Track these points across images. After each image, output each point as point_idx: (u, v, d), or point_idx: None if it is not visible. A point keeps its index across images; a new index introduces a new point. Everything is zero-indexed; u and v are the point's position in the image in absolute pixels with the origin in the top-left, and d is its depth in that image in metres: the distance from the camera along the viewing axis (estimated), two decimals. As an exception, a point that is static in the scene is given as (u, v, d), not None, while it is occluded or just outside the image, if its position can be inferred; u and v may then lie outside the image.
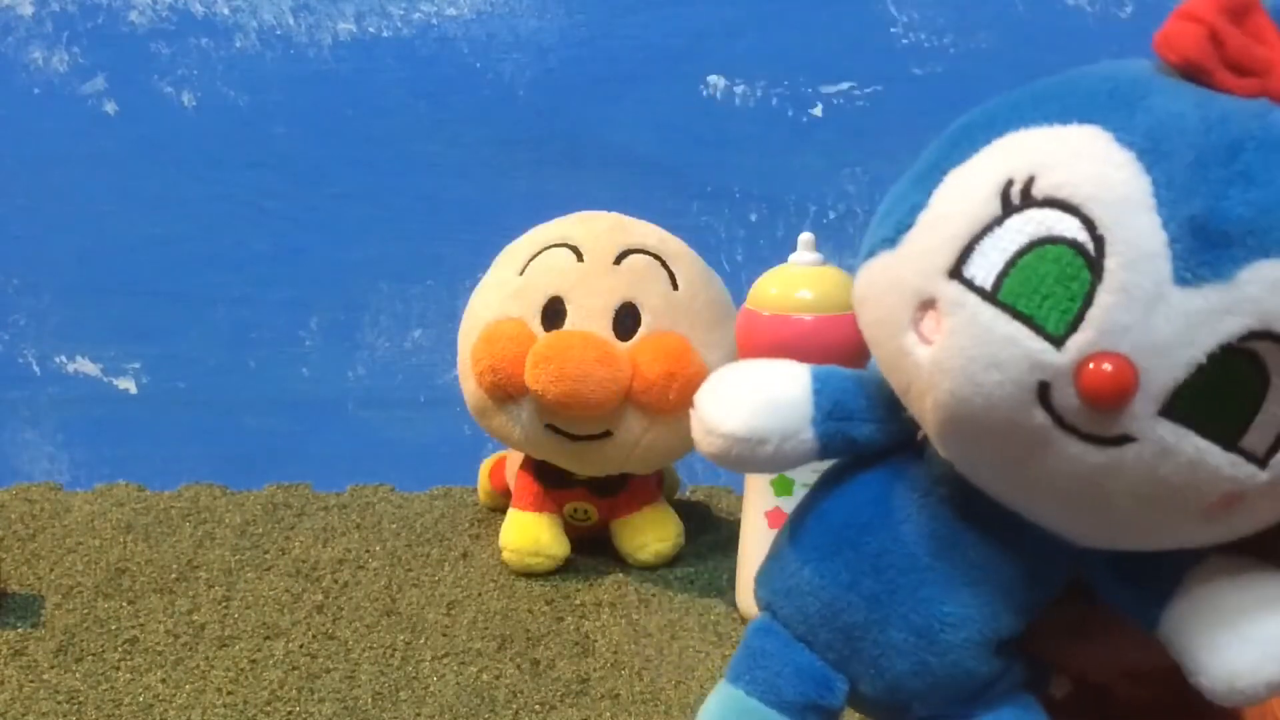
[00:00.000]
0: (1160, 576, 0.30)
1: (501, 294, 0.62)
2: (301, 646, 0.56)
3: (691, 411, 0.34)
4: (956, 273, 0.29)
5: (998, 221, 0.28)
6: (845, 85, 0.88)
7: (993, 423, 0.28)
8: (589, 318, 0.60)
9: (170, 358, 0.95)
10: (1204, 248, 0.27)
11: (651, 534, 0.65)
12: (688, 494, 0.77)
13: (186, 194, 0.93)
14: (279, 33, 0.92)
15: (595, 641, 0.57)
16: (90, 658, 0.55)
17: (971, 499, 0.31)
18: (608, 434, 0.61)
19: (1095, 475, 0.28)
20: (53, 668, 0.54)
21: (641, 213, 0.66)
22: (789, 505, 0.55)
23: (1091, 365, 0.26)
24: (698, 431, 0.34)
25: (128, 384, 0.95)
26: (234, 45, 0.92)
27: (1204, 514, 0.28)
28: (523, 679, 0.53)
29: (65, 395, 0.95)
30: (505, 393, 0.60)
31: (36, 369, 0.95)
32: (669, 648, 0.56)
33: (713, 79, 0.88)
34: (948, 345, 0.28)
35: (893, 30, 0.86)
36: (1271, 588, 0.29)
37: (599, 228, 0.63)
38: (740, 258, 0.90)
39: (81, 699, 0.51)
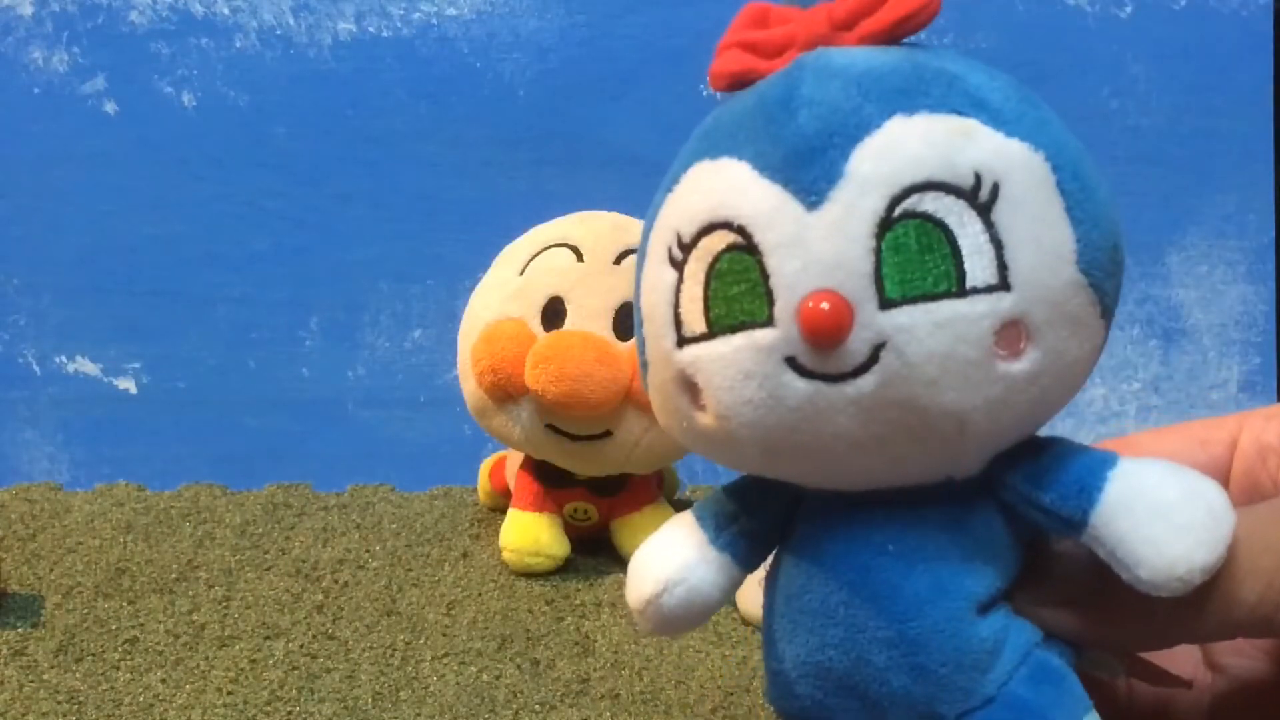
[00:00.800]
0: (1083, 485, 0.30)
1: (501, 294, 0.62)
2: (301, 646, 0.56)
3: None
4: (681, 342, 0.31)
5: (679, 281, 0.31)
6: (845, 85, 0.88)
7: (782, 420, 0.30)
8: (589, 318, 0.60)
9: (170, 358, 0.95)
10: (805, 170, 0.29)
11: (652, 534, 0.65)
12: (688, 494, 0.77)
13: (186, 194, 0.93)
14: (279, 33, 0.92)
15: (595, 641, 0.57)
16: (90, 658, 0.55)
17: (850, 505, 0.32)
18: (608, 434, 0.61)
19: (885, 393, 0.29)
20: (53, 668, 0.54)
21: (641, 212, 0.65)
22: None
23: (802, 311, 0.28)
24: (638, 622, 0.35)
25: (128, 384, 0.95)
26: (234, 45, 0.92)
27: (1000, 362, 0.29)
28: (523, 679, 0.53)
29: (65, 395, 0.95)
30: (505, 393, 0.60)
31: (36, 369, 0.95)
32: (669, 648, 0.56)
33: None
34: (713, 395, 0.30)
35: (893, 30, 0.85)
36: (1190, 479, 0.30)
37: (599, 228, 0.63)
38: (740, 258, 0.90)
39: (81, 699, 0.51)
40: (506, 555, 0.64)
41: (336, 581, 0.63)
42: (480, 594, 0.62)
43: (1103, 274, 0.30)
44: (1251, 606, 0.29)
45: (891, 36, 0.31)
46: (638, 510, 0.65)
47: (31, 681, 0.52)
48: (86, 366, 0.95)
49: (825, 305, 0.28)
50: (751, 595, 0.58)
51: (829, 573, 0.32)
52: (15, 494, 0.75)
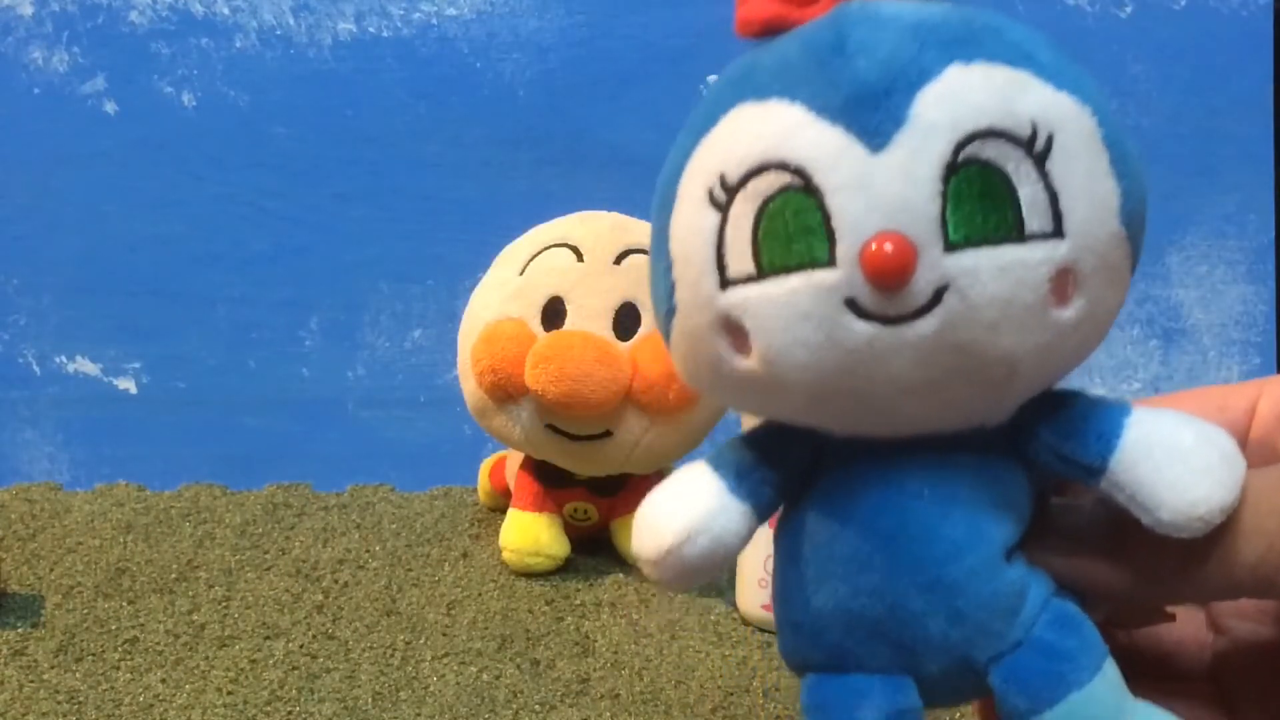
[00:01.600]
0: (1101, 432, 0.31)
1: (501, 294, 0.62)
2: (301, 646, 0.56)
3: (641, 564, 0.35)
4: (724, 283, 0.31)
5: (722, 223, 0.31)
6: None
7: (838, 363, 0.30)
8: (589, 318, 0.60)
9: (170, 358, 0.95)
10: (869, 113, 0.29)
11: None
12: (688, 494, 0.77)
13: (186, 194, 0.93)
14: (279, 33, 0.92)
15: (595, 641, 0.57)
16: (90, 658, 0.55)
17: (880, 453, 0.32)
18: (608, 434, 0.61)
19: (945, 336, 0.29)
20: (53, 668, 0.54)
21: (641, 213, 0.66)
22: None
23: (866, 252, 0.28)
24: (650, 573, 0.34)
25: (128, 384, 0.95)
26: (234, 45, 0.92)
27: (1052, 308, 0.29)
28: (523, 679, 0.53)
29: (65, 395, 0.95)
30: (505, 393, 0.60)
31: (36, 369, 0.95)
32: (669, 648, 0.56)
33: (713, 79, 0.88)
34: (763, 337, 0.30)
35: (893, 30, 0.85)
36: (1201, 425, 0.31)
37: (599, 228, 0.63)
38: (740, 258, 0.90)
39: (81, 699, 0.51)
40: (506, 555, 0.64)
41: (336, 581, 0.63)
42: (480, 594, 0.62)
43: (1137, 228, 0.31)
44: (1252, 567, 0.30)
45: None
46: (638, 510, 0.65)
47: (31, 681, 0.52)
48: (86, 366, 0.95)
49: (890, 246, 0.28)
50: (751, 595, 0.58)
51: (862, 520, 0.33)
52: (15, 494, 0.75)
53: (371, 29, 0.92)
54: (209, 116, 0.92)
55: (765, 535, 0.60)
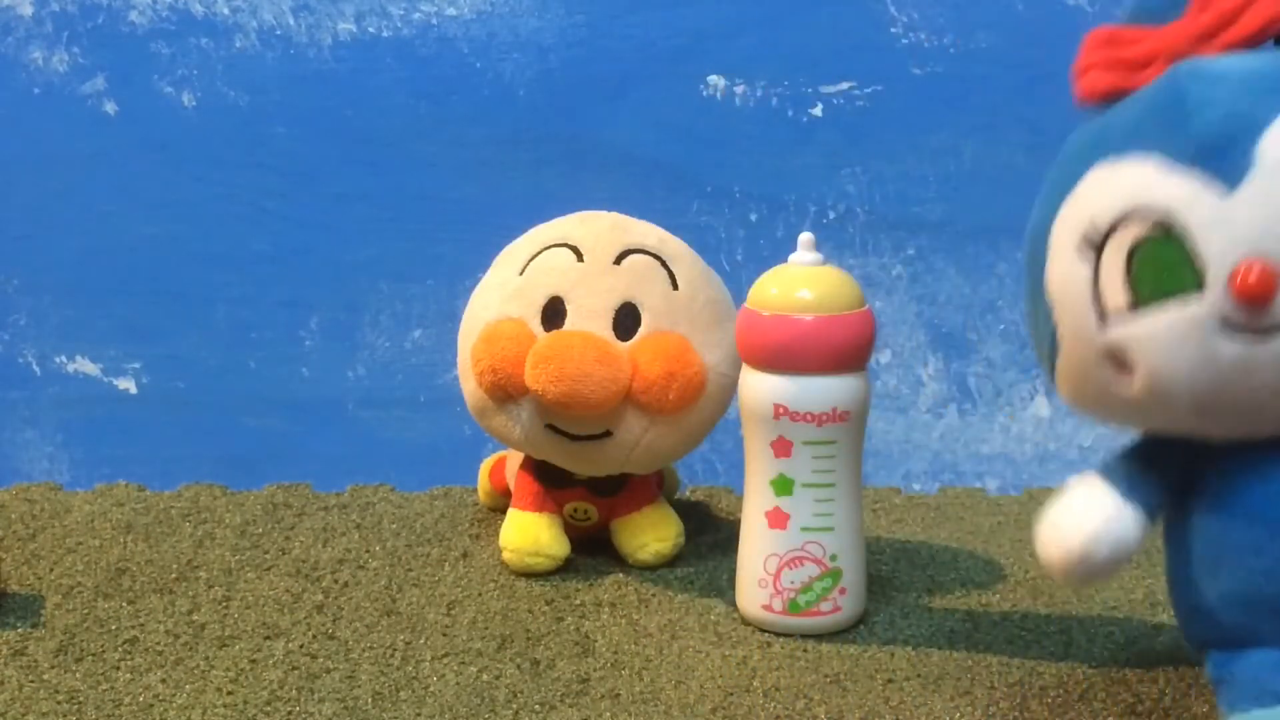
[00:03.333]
0: None
1: (501, 294, 0.62)
2: (301, 646, 0.56)
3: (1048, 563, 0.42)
4: (1103, 320, 0.37)
5: (1096, 268, 0.37)
6: (845, 85, 0.88)
7: (1214, 379, 0.35)
8: (589, 318, 0.60)
9: (170, 358, 0.94)
10: (1218, 160, 0.35)
11: (651, 534, 0.65)
12: (688, 494, 0.77)
13: (186, 194, 0.93)
14: (279, 33, 0.92)
15: (595, 641, 0.57)
16: (90, 658, 0.55)
17: (1259, 449, 0.38)
18: (608, 434, 0.61)
19: None
20: (53, 668, 0.54)
21: (641, 213, 0.66)
22: (789, 505, 0.56)
23: (1233, 278, 0.34)
24: (1061, 580, 0.42)
25: (128, 384, 0.95)
26: (234, 45, 0.92)
27: None
28: (523, 679, 0.53)
29: (65, 395, 0.95)
30: (505, 393, 0.60)
31: (36, 369, 0.95)
32: (669, 648, 0.56)
33: (713, 79, 0.88)
34: (1145, 364, 0.36)
35: (893, 30, 0.86)
36: None
37: (599, 228, 0.63)
38: (740, 258, 0.90)
39: (81, 699, 0.51)
40: (506, 555, 0.64)
41: (336, 581, 0.63)
42: (480, 594, 0.62)
43: None
44: None
45: (1252, 43, 0.37)
46: (638, 510, 0.66)
47: (31, 681, 0.52)
48: (86, 366, 0.95)
49: (1258, 271, 0.33)
50: (751, 595, 0.58)
51: (1249, 511, 0.38)
52: (15, 494, 0.75)
53: (371, 29, 0.92)
54: (209, 116, 0.92)
55: (764, 534, 0.60)
